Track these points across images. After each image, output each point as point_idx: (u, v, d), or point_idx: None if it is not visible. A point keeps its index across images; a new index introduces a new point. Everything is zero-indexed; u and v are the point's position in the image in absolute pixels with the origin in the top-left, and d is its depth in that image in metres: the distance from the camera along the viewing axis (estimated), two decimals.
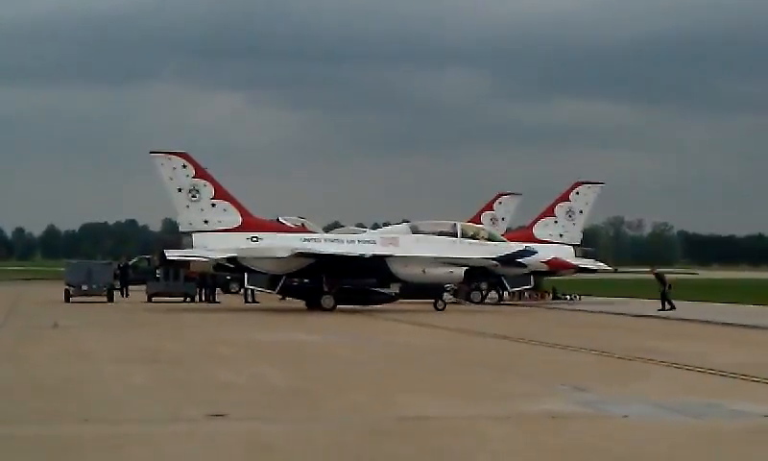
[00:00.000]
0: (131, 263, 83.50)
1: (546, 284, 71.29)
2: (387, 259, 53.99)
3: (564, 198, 70.91)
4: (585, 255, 70.69)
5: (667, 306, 53.22)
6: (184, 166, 55.43)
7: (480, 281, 62.87)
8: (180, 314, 51.46)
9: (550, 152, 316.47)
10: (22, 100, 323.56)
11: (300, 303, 56.18)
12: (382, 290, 55.16)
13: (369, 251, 54.08)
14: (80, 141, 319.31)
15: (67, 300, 61.60)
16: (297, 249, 53.65)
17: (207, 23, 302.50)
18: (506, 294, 66.30)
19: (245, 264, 54.57)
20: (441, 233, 56.37)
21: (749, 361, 27.98)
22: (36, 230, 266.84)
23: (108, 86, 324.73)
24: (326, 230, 71.42)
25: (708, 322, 45.58)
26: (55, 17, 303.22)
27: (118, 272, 74.71)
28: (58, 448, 14.89)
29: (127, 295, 69.95)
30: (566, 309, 59.15)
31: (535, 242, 64.63)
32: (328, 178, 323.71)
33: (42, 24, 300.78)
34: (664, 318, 48.46)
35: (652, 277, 58.68)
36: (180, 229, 56.07)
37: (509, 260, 57.30)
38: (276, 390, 21.42)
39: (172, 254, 55.27)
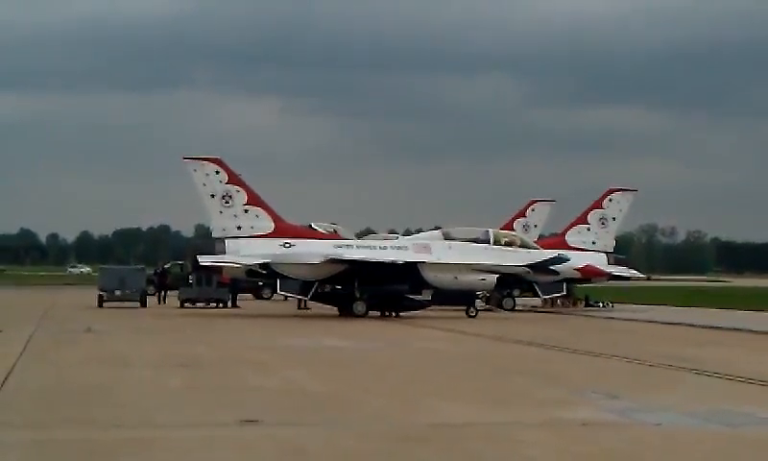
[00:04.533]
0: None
1: (579, 292, 71.00)
2: (419, 266, 53.93)
3: (597, 205, 70.70)
4: (617, 263, 70.36)
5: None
6: (217, 172, 55.51)
7: (512, 288, 62.70)
8: (212, 319, 51.60)
9: (583, 159, 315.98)
10: (56, 106, 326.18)
11: (333, 309, 56.23)
12: (414, 297, 55.14)
13: (401, 257, 54.00)
14: (113, 147, 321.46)
15: (100, 305, 61.91)
16: (329, 255, 53.71)
17: (242, 31, 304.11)
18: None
19: (277, 270, 54.57)
20: (473, 240, 56.33)
21: None
22: (70, 235, 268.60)
23: (142, 92, 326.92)
24: (359, 236, 71.46)
25: (737, 329, 45.32)
26: (88, 24, 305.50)
27: (154, 277, 74.61)
28: (89, 453, 14.97)
29: (165, 301, 69.68)
30: (599, 316, 58.86)
31: (567, 249, 64.45)
32: (361, 184, 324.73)
33: (76, 31, 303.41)
34: (695, 326, 48.13)
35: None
36: (213, 234, 56.08)
37: (541, 267, 57.26)
38: (309, 395, 21.46)
39: (205, 260, 55.32)
